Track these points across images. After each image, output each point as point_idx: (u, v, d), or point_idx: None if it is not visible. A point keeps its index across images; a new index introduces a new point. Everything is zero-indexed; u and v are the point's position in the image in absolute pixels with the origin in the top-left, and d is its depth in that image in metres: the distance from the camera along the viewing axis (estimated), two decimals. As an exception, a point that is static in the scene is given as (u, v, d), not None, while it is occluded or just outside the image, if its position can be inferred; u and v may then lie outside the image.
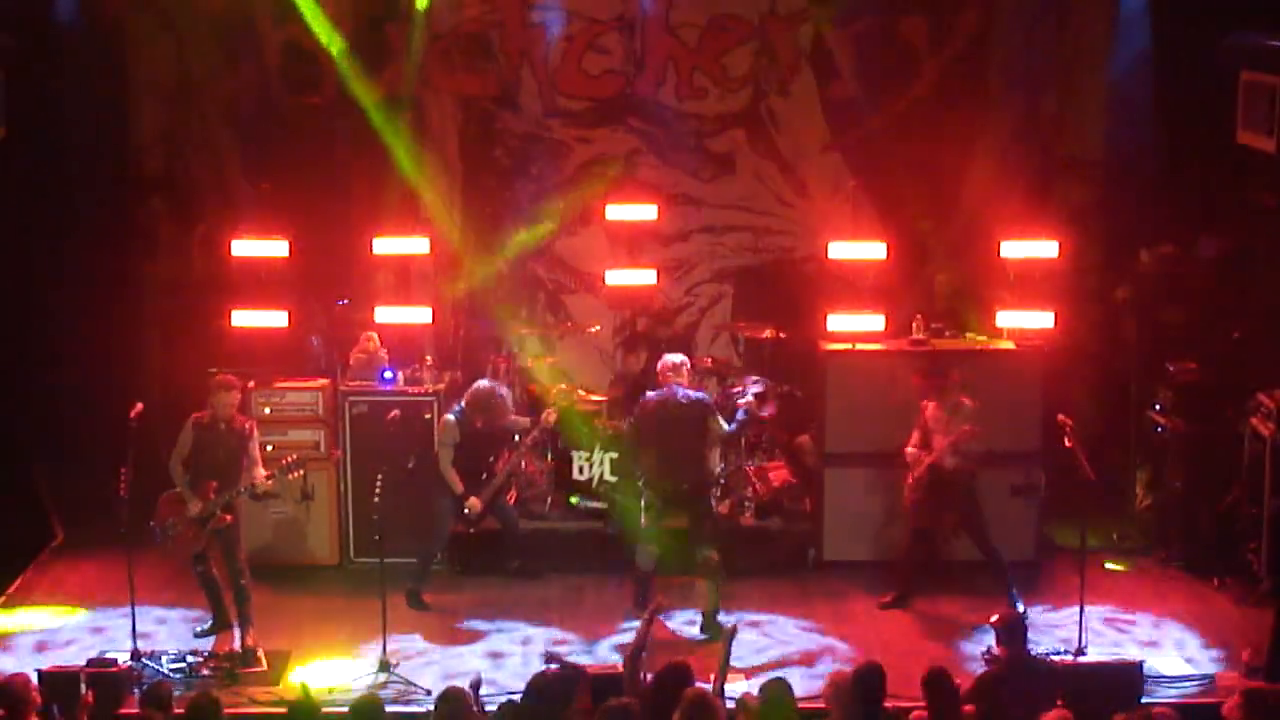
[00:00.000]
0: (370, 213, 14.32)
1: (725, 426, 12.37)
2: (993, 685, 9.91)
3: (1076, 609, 11.75)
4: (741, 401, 12.74)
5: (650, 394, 12.47)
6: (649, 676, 9.70)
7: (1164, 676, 11.37)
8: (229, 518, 11.86)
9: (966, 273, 14.24)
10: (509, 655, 11.96)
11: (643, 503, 12.46)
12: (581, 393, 14.24)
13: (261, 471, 11.87)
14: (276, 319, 13.35)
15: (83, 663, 11.04)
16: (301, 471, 12.37)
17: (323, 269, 14.33)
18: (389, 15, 15.01)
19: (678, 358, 12.52)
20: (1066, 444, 11.95)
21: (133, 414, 11.81)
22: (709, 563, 12.15)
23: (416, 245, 13.87)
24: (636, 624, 11.88)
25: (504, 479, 12.94)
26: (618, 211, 14.43)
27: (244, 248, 13.51)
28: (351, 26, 14.77)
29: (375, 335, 13.64)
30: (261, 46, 14.98)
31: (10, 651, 11.98)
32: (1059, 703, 9.83)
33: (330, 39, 14.55)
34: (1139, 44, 14.65)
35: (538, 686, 9.25)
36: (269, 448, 12.84)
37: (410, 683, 11.33)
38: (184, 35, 14.94)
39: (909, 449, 12.59)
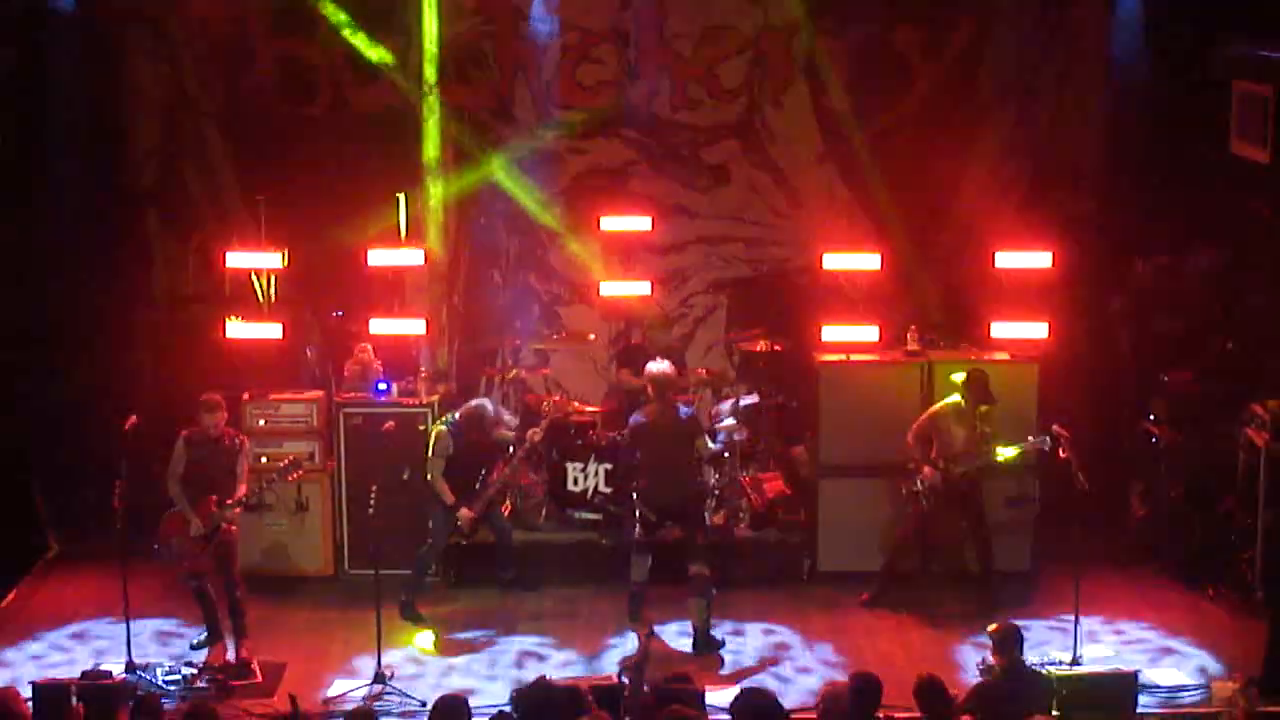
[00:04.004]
0: (365, 224, 14.32)
1: (711, 446, 12.41)
2: (988, 695, 9.91)
3: (1071, 619, 11.76)
4: (720, 425, 12.78)
5: (645, 409, 12.45)
6: (647, 689, 9.70)
7: (1158, 686, 11.37)
8: (234, 528, 11.89)
9: (961, 283, 14.24)
10: (503, 667, 11.95)
11: (637, 515, 12.47)
12: (576, 404, 14.24)
13: (244, 488, 11.88)
14: (271, 331, 13.35)
15: (77, 675, 11.02)
16: (301, 471, 12.37)
17: (318, 281, 14.33)
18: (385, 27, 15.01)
19: (666, 369, 12.47)
20: (1061, 455, 11.96)
21: (127, 426, 11.83)
22: (701, 578, 12.14)
23: (411, 257, 13.88)
24: (630, 635, 11.97)
25: (497, 491, 12.94)
26: (612, 223, 14.45)
27: (239, 260, 13.53)
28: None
29: (370, 347, 13.65)
30: (256, 59, 14.97)
31: (4, 663, 11.97)
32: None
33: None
34: (1133, 55, 14.66)
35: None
36: (263, 459, 12.89)
37: (405, 694, 11.32)
38: (179, 48, 14.94)
39: (927, 469, 12.56)
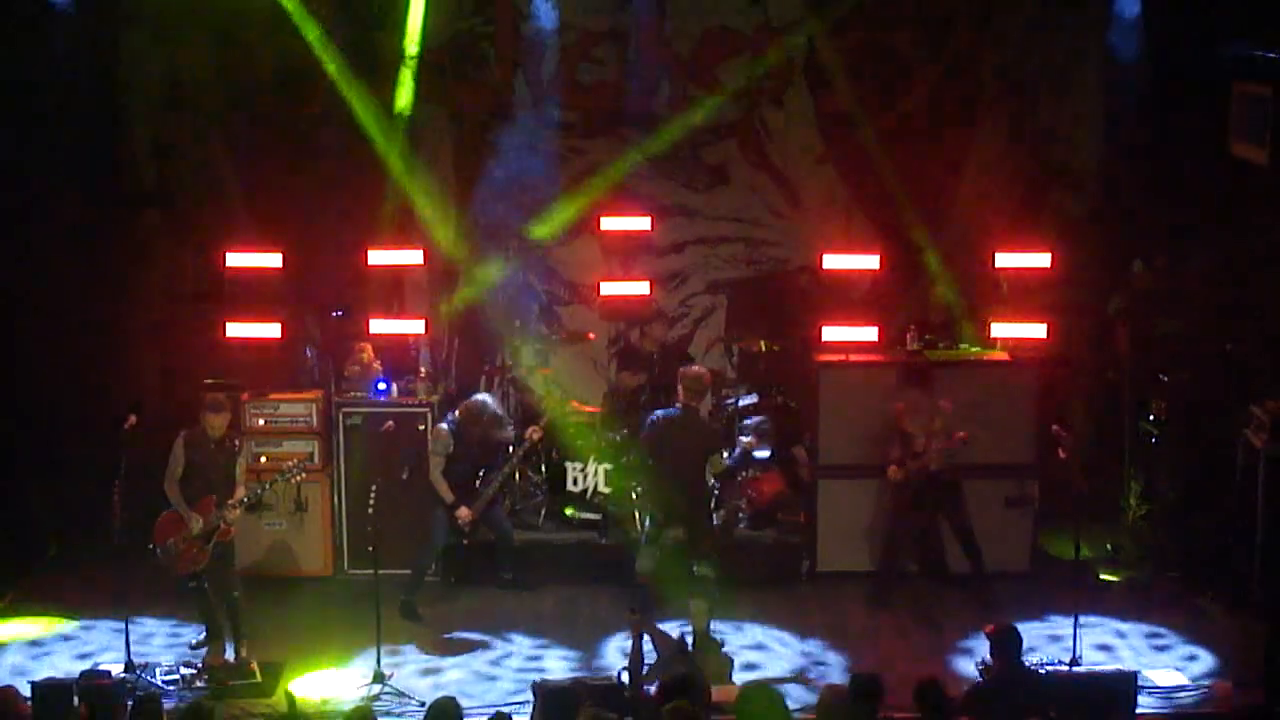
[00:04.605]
0: (364, 224, 14.33)
1: (725, 462, 12.37)
2: (986, 696, 9.91)
3: (1071, 620, 11.77)
4: (743, 439, 12.74)
5: (666, 410, 12.40)
6: (653, 689, 9.71)
7: (1157, 687, 11.38)
8: (233, 530, 11.89)
9: (960, 284, 14.25)
10: (502, 666, 11.96)
11: (642, 513, 12.47)
12: (575, 404, 14.24)
13: (241, 490, 11.88)
14: (270, 330, 13.35)
15: (76, 675, 11.01)
16: (303, 475, 12.39)
17: (317, 280, 14.33)
18: (380, 26, 15.00)
19: (702, 372, 12.43)
20: (1060, 455, 11.97)
21: (126, 426, 11.82)
22: (704, 581, 12.14)
23: (411, 257, 13.89)
24: (629, 634, 11.96)
25: (497, 490, 12.94)
26: (612, 223, 14.45)
27: (238, 260, 13.53)
28: (343, 38, 14.77)
29: (369, 346, 13.65)
30: (254, 58, 14.96)
31: (3, 663, 11.96)
32: (1051, 716, 9.88)
33: (326, 54, 14.53)
34: (1132, 55, 14.66)
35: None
36: (262, 459, 12.90)
37: (403, 694, 11.33)
38: (177, 48, 14.92)
39: (893, 468, 12.62)
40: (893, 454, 12.75)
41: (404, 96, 14.64)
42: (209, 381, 12.83)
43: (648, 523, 12.38)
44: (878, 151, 15.02)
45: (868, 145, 15.06)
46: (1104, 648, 12.13)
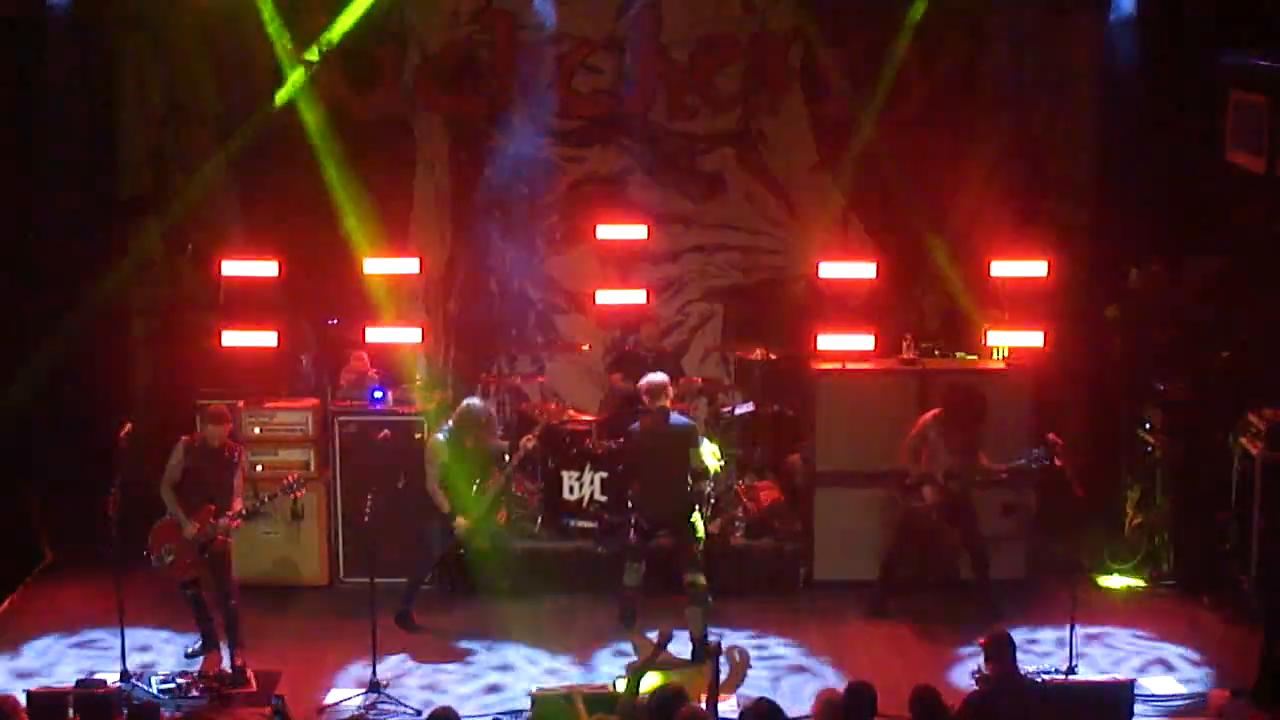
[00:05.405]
0: (361, 232, 14.32)
1: (707, 460, 12.34)
2: (982, 705, 9.90)
3: (1067, 628, 11.76)
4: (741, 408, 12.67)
5: (642, 418, 12.42)
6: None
7: (1154, 695, 11.38)
8: (230, 540, 11.87)
9: (956, 292, 14.26)
10: (499, 675, 11.94)
11: (631, 523, 12.47)
12: (571, 412, 14.23)
13: (240, 502, 11.88)
14: (266, 339, 13.35)
15: (72, 684, 10.99)
16: (303, 490, 12.38)
17: (313, 289, 14.32)
18: (377, 35, 15.00)
19: (660, 378, 12.48)
20: (1056, 463, 11.96)
21: (121, 434, 11.82)
22: (697, 587, 12.12)
23: (406, 265, 13.89)
24: (626, 643, 11.94)
25: (494, 498, 12.92)
26: (608, 231, 14.45)
27: (234, 268, 13.52)
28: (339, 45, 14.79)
29: (365, 355, 13.65)
30: (251, 65, 14.96)
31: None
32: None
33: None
34: (1128, 63, 14.67)
35: None
36: (258, 468, 12.88)
37: (400, 703, 11.31)
38: (173, 55, 14.92)
39: (927, 489, 12.57)
40: (915, 469, 12.64)
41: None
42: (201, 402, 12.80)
43: (632, 534, 12.38)
44: (875, 159, 15.04)
45: (865, 153, 15.08)
46: (1100, 656, 12.13)
